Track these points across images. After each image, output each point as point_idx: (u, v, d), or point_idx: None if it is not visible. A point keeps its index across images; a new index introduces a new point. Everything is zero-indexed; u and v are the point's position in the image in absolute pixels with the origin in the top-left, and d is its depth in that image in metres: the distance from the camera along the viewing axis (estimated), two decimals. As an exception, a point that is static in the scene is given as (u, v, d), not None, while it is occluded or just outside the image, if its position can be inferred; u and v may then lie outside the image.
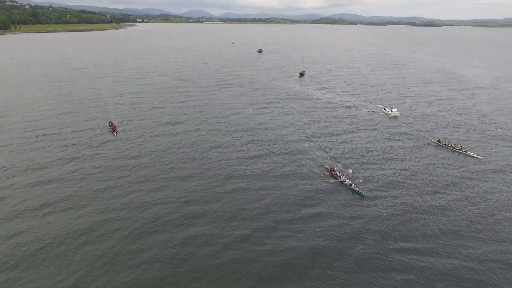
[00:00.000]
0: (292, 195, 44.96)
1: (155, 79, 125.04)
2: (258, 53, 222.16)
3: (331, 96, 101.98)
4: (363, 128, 72.44)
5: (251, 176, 49.50)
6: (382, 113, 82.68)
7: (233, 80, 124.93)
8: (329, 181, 48.28)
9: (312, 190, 46.02)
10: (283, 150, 59.15)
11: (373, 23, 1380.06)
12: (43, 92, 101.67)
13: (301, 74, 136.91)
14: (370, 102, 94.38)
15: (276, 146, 61.15)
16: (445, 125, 75.24)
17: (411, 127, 73.32)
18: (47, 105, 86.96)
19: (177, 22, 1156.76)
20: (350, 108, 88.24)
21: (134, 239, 36.03)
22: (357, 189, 45.66)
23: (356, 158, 56.62)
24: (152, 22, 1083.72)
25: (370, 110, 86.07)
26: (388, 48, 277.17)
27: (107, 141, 61.74)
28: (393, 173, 51.62)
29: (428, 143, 63.56)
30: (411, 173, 51.52)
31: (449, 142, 62.26)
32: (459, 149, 59.69)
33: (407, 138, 66.91)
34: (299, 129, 70.38)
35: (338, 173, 49.45)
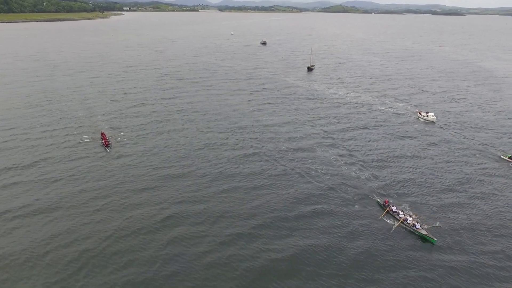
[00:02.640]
0: (337, 237, 38.59)
1: (144, 74, 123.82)
2: (262, 45, 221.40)
3: (347, 93, 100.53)
4: (401, 137, 68.02)
5: (280, 209, 43.55)
6: (417, 118, 79.02)
7: (234, 75, 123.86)
8: (384, 218, 41.57)
9: (363, 232, 39.47)
10: (313, 170, 53.91)
11: (390, 12, 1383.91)
12: (16, 91, 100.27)
13: (310, 69, 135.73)
14: (394, 102, 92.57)
15: (303, 161, 57.51)
16: (498, 133, 70.71)
17: (460, 136, 68.65)
18: (21, 107, 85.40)
19: (169, 10, 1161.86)
20: (374, 109, 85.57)
21: (121, 240, 37.94)
22: (424, 232, 38.60)
23: (406, 181, 50.29)
24: (141, 10, 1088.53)
25: (400, 113, 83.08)
26: (406, 39, 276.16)
27: (99, 159, 56.52)
28: (463, 203, 45.07)
29: (496, 160, 57.84)
30: (486, 204, 45.21)
31: None
32: None
33: (464, 152, 61.06)
34: (321, 137, 67.47)
35: (396, 209, 42.42)
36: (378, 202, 44.82)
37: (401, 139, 66.96)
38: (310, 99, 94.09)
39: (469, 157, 59.24)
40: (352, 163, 55.83)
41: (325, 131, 70.06)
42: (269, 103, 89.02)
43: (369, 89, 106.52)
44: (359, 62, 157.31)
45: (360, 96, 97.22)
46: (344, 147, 62.29)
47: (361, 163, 56.10)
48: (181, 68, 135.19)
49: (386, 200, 44.58)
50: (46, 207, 43.25)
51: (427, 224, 39.98)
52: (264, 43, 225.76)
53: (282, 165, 55.24)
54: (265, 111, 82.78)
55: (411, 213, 41.85)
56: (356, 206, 44.54)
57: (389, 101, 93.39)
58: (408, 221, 40.24)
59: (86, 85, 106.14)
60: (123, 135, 64.84)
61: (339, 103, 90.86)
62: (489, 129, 72.71)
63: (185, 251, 36.33)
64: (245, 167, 54.36)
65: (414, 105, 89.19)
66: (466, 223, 41.69)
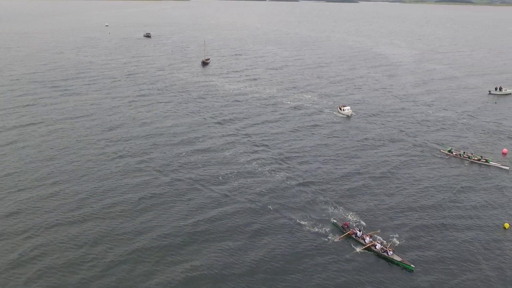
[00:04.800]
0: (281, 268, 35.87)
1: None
2: (145, 37, 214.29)
3: (249, 87, 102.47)
4: (319, 134, 69.20)
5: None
6: (337, 112, 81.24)
7: (111, 73, 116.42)
8: (341, 240, 39.25)
9: (320, 263, 36.58)
10: (220, 175, 52.44)
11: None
12: None
13: (205, 63, 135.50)
14: (301, 94, 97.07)
15: (206, 165, 55.89)
16: (423, 123, 75.83)
17: (383, 129, 72.01)
18: None
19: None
20: (281, 103, 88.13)
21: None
22: (398, 258, 36.38)
23: (350, 192, 49.35)
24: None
25: (305, 105, 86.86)
26: (303, 28, 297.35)
27: None
28: (423, 209, 45.40)
29: (436, 155, 61.23)
30: (449, 207, 46.33)
31: (464, 152, 61.11)
32: (479, 160, 59.00)
33: (398, 148, 63.35)
34: (227, 137, 66.76)
35: (359, 232, 39.93)
36: (335, 224, 42.05)
37: (320, 136, 68.95)
38: (208, 96, 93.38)
39: (408, 153, 61.95)
40: (274, 169, 55.37)
41: (231, 130, 70.02)
42: (158, 103, 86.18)
43: (271, 81, 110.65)
44: (257, 53, 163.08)
45: (265, 90, 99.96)
46: (256, 148, 62.70)
47: (285, 167, 56.13)
48: (40, 69, 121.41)
49: (346, 222, 42.00)
50: None
51: (395, 247, 38.55)
52: (148, 36, 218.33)
53: (180, 171, 53.54)
54: (153, 112, 79.94)
55: (379, 237, 39.93)
56: (299, 224, 41.99)
57: (295, 93, 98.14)
58: (376, 247, 38.06)
59: None
60: None
61: (242, 98, 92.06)
62: (410, 120, 78.34)
63: (58, 282, 33.33)
64: (131, 177, 51.85)
65: (320, 96, 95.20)
66: (430, 232, 41.60)
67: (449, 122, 77.37)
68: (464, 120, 78.63)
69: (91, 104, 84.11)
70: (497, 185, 52.78)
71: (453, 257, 38.14)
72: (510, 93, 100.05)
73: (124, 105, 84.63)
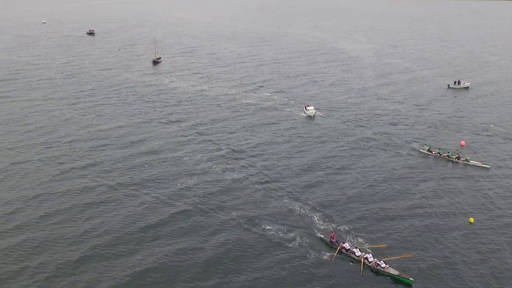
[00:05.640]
0: None
1: None
2: (88, 35, 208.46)
3: (206, 86, 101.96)
4: (281, 133, 70.12)
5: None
6: (291, 110, 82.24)
7: (49, 74, 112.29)
8: (334, 256, 37.92)
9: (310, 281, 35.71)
10: (179, 181, 51.92)
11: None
12: None
13: (156, 62, 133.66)
14: (257, 92, 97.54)
15: (160, 168, 54.88)
16: (394, 120, 77.93)
17: (353, 127, 73.55)
18: None
19: None
20: (238, 102, 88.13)
21: None
22: (395, 272, 35.56)
23: (316, 190, 49.92)
24: None
25: (265, 104, 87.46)
26: (259, 23, 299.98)
27: None
28: (412, 210, 46.39)
29: (413, 154, 63.15)
30: (428, 206, 47.82)
31: (441, 150, 63.33)
32: (457, 158, 61.19)
33: (361, 145, 65.03)
34: (182, 137, 66.26)
35: (348, 245, 38.88)
36: (321, 239, 40.90)
37: (281, 135, 70.10)
38: (160, 96, 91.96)
39: (384, 152, 63.52)
40: (232, 168, 55.57)
41: (185, 130, 69.65)
42: (103, 104, 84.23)
43: (228, 79, 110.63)
44: (211, 50, 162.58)
45: (222, 89, 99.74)
46: (212, 147, 62.49)
47: (243, 166, 56.38)
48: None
49: (332, 233, 40.77)
50: None
51: (389, 259, 37.51)
52: (91, 33, 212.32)
53: (128, 174, 52.93)
54: (98, 113, 78.41)
55: (366, 247, 39.28)
56: (277, 238, 41.09)
57: (253, 91, 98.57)
58: (368, 259, 37.17)
59: None
60: None
61: (197, 98, 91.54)
62: (377, 116, 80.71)
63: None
64: (74, 183, 50.93)
65: (280, 93, 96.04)
66: (432, 242, 41.17)
67: (412, 117, 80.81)
68: (426, 115, 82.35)
69: (28, 108, 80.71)
70: (478, 183, 54.93)
71: (444, 260, 38.71)
72: (468, 86, 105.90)
73: (66, 107, 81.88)
